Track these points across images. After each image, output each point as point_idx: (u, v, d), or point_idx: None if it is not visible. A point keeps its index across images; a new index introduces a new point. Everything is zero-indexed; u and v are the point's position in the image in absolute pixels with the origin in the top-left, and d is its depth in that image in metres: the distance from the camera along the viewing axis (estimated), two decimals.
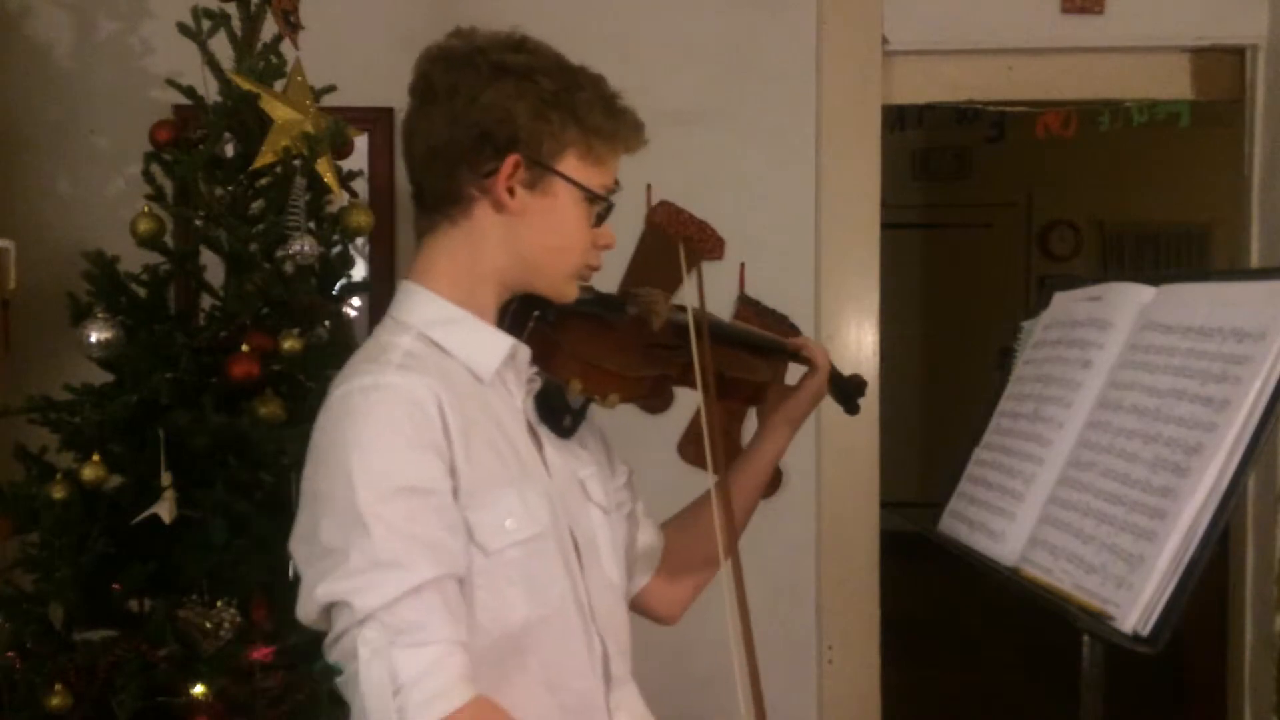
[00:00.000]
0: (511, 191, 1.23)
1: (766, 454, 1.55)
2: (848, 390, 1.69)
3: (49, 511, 1.88)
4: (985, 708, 4.43)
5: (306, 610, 1.15)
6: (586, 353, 1.32)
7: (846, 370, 1.71)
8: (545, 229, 1.26)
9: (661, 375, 1.42)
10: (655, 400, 1.47)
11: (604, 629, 1.31)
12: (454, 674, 1.06)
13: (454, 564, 1.12)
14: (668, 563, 1.53)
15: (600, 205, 1.28)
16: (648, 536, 1.51)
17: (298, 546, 1.18)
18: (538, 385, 1.32)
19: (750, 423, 1.65)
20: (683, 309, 1.43)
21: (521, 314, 1.31)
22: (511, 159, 1.22)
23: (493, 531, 1.18)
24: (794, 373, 1.65)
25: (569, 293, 1.31)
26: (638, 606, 1.51)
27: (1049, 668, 2.62)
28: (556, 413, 1.32)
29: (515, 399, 1.29)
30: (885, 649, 2.88)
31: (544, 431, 1.31)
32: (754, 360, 1.57)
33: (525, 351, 1.29)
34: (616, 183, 1.32)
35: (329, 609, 1.10)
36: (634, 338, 1.42)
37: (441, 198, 1.26)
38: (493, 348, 1.26)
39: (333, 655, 1.10)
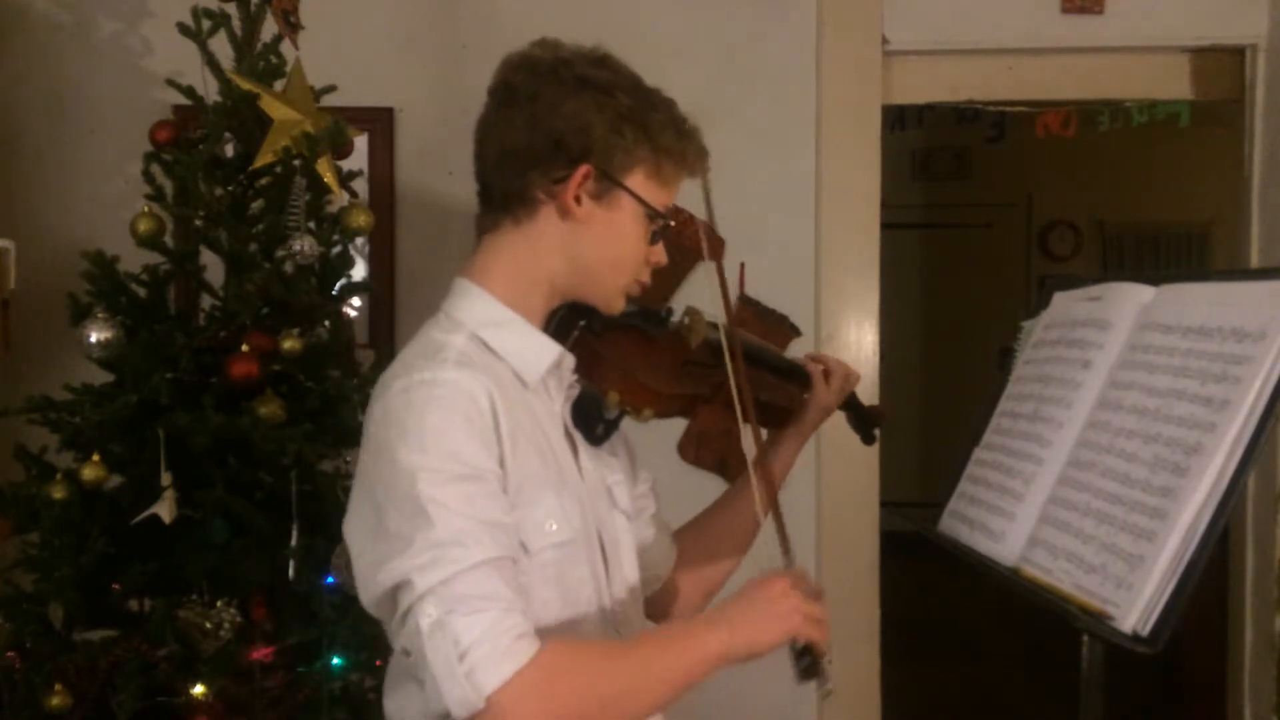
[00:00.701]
0: (578, 200, 1.27)
1: (777, 468, 1.59)
2: (866, 420, 1.76)
3: (49, 511, 1.88)
4: (985, 708, 4.43)
5: (370, 593, 1.16)
6: (628, 366, 1.37)
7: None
8: (605, 240, 1.30)
9: (695, 394, 1.48)
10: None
11: (624, 632, 1.35)
12: (516, 632, 1.08)
13: (511, 546, 1.15)
14: (680, 569, 1.56)
15: (659, 224, 1.33)
16: (664, 543, 1.55)
17: (354, 534, 1.20)
18: (576, 392, 1.35)
19: None
20: (718, 328, 1.47)
21: (568, 321, 1.34)
22: (583, 169, 1.26)
23: (535, 531, 1.22)
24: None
25: (617, 305, 1.35)
26: (649, 611, 1.53)
27: (1049, 668, 2.62)
28: (591, 420, 1.35)
29: (555, 404, 1.32)
30: (885, 649, 2.88)
31: (578, 437, 1.35)
32: (782, 383, 1.61)
33: (570, 360, 1.33)
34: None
35: (394, 591, 1.12)
36: (671, 354, 1.46)
37: (509, 198, 1.29)
38: (541, 354, 1.29)
39: (400, 639, 1.12)
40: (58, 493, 1.88)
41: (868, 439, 1.77)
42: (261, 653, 1.87)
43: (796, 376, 1.64)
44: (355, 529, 1.20)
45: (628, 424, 1.46)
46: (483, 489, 1.15)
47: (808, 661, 1.25)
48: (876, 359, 2.86)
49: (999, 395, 1.56)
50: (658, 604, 1.56)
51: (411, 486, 1.12)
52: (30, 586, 1.92)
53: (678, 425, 2.65)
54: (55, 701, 1.82)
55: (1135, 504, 1.18)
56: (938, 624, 5.30)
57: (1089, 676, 1.33)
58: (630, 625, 1.37)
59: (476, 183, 1.33)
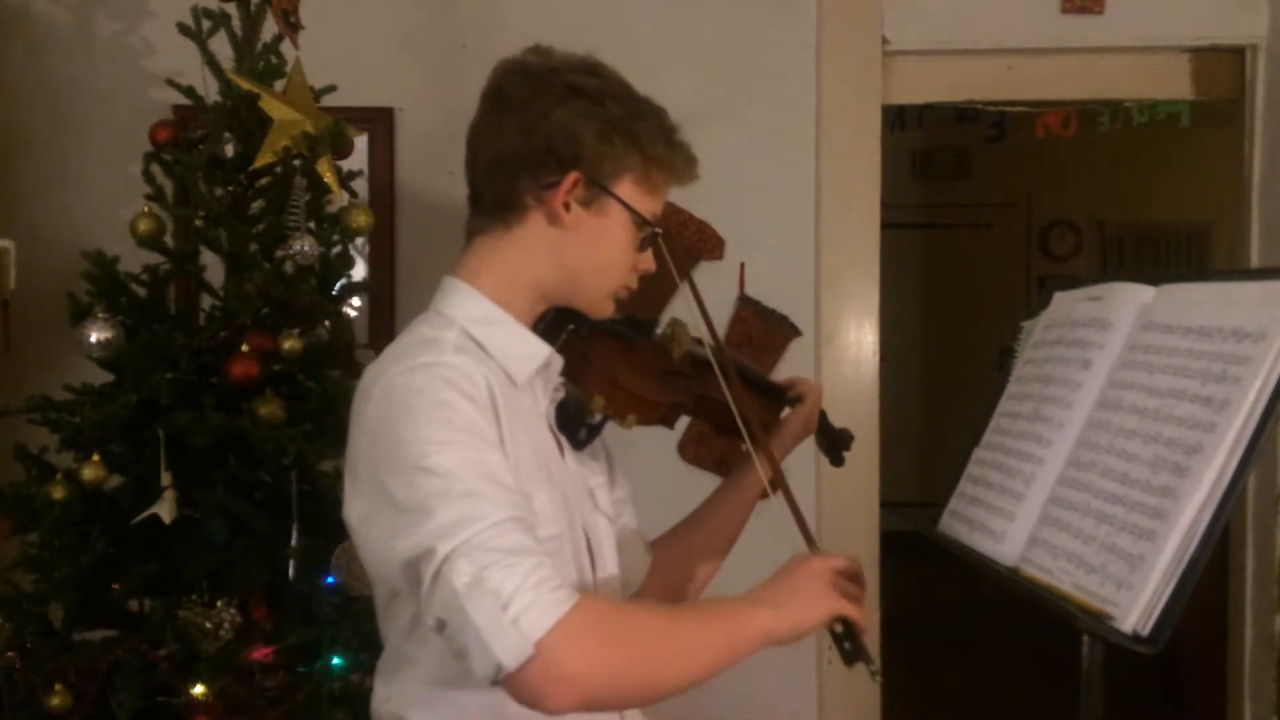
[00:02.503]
0: (567, 206, 1.28)
1: (754, 484, 1.59)
2: (835, 442, 1.76)
3: (49, 511, 1.89)
4: (985, 708, 4.43)
5: (389, 568, 1.15)
6: (614, 372, 1.38)
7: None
8: (593, 246, 1.30)
9: (677, 403, 1.48)
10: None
11: None
12: (553, 583, 1.08)
13: (526, 509, 1.15)
14: (656, 577, 1.54)
15: (647, 232, 1.33)
16: (638, 551, 1.53)
17: (362, 520, 1.19)
18: (561, 395, 1.36)
19: None
20: (700, 342, 1.49)
21: (556, 324, 1.35)
22: (572, 176, 1.27)
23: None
24: None
25: (605, 310, 1.36)
26: None
27: (1049, 668, 2.62)
28: (574, 424, 1.35)
29: (540, 405, 1.33)
30: (885, 649, 2.88)
31: (561, 439, 1.36)
32: (761, 401, 1.61)
33: (559, 361, 1.33)
34: None
35: (415, 563, 1.11)
36: (655, 362, 1.47)
37: (499, 203, 1.30)
38: (530, 354, 1.30)
39: (432, 610, 1.09)
40: (58, 493, 1.88)
41: (836, 460, 1.77)
42: (261, 653, 1.87)
43: (774, 395, 1.66)
44: (362, 513, 1.19)
45: (613, 431, 1.45)
46: (493, 456, 1.15)
47: (851, 644, 1.24)
48: (876, 359, 2.86)
49: (999, 395, 1.56)
50: None
51: (423, 459, 1.12)
52: (30, 586, 1.92)
53: (677, 428, 2.64)
54: (55, 701, 1.82)
55: (1135, 504, 1.18)
56: (938, 624, 5.30)
57: (1089, 676, 1.33)
58: None
59: (467, 185, 1.35)
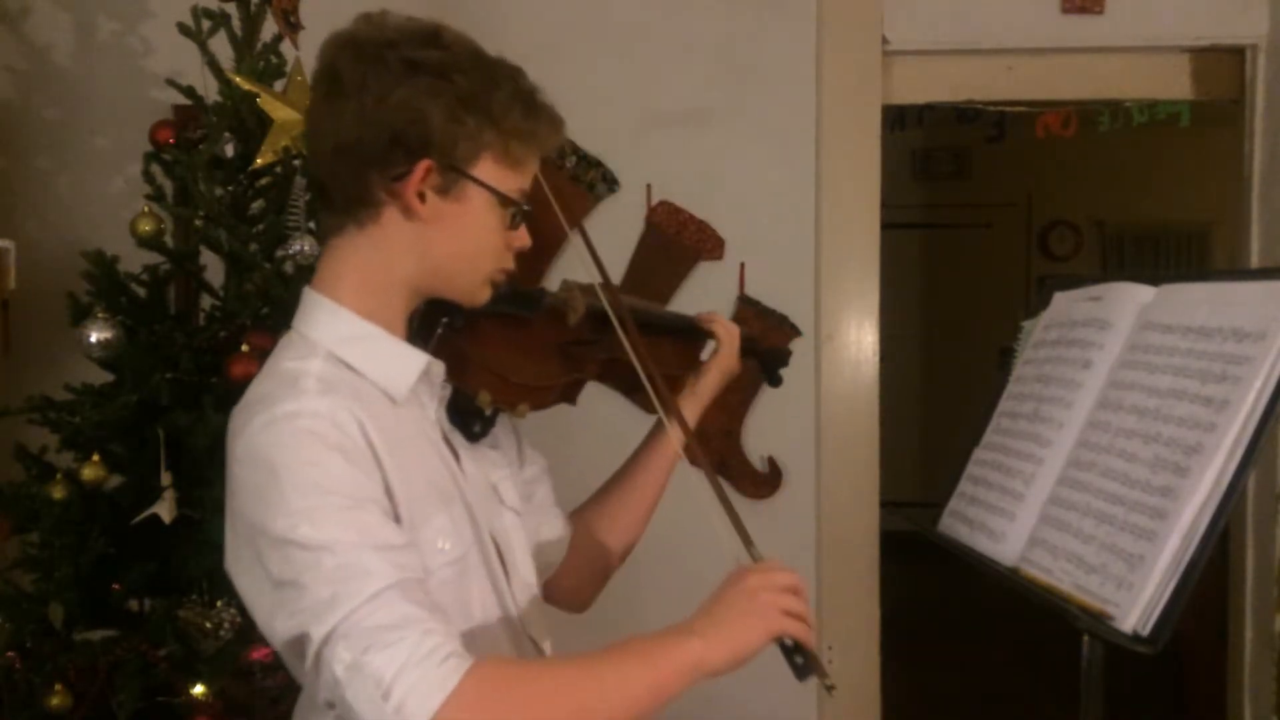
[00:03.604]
0: (423, 197, 1.16)
1: (671, 445, 1.48)
2: (769, 360, 1.65)
3: (49, 511, 1.88)
4: (985, 708, 4.43)
5: (273, 643, 1.11)
6: (495, 363, 1.28)
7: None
8: (458, 236, 1.19)
9: (574, 380, 1.39)
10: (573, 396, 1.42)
11: (533, 631, 1.31)
12: (441, 654, 1.00)
13: (410, 566, 1.07)
14: (576, 551, 1.48)
15: (514, 209, 1.22)
16: (556, 526, 1.47)
17: (239, 582, 1.14)
18: (448, 393, 1.27)
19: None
20: (598, 295, 1.36)
21: (429, 320, 1.24)
22: (423, 164, 1.15)
23: (429, 552, 1.15)
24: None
25: (481, 297, 1.25)
26: (546, 596, 1.45)
27: (1049, 668, 2.62)
28: (466, 419, 1.28)
29: (429, 411, 1.24)
30: (885, 649, 2.88)
31: (457, 439, 1.28)
32: (671, 345, 1.51)
33: (439, 366, 1.24)
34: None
35: (295, 644, 1.05)
36: (550, 336, 1.37)
37: (349, 200, 1.19)
38: (405, 367, 1.20)
39: (320, 694, 1.04)
40: (58, 493, 1.88)
41: (773, 380, 1.65)
42: (261, 653, 1.86)
43: (689, 333, 1.53)
44: (240, 577, 1.13)
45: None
46: (368, 515, 1.07)
47: (802, 659, 1.14)
48: (876, 359, 2.86)
49: (999, 395, 1.56)
50: (554, 588, 1.48)
51: (292, 530, 1.04)
52: (30, 586, 1.92)
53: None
54: (55, 701, 1.82)
55: (1135, 504, 1.18)
56: (938, 624, 5.30)
57: (1089, 676, 1.33)
58: (534, 623, 1.31)
59: (309, 181, 1.25)
